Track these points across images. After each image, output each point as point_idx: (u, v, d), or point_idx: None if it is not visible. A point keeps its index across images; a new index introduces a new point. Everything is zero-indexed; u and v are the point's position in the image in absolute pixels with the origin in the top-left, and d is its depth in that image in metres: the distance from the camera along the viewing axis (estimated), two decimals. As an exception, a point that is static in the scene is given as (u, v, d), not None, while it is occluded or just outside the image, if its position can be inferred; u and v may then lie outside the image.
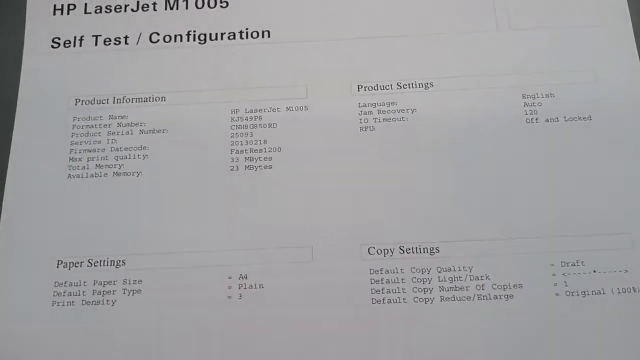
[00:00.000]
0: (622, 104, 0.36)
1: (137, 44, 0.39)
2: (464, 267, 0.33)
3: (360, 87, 0.37)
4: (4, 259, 0.34)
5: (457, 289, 0.33)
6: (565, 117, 0.36)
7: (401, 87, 0.37)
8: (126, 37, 0.39)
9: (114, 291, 0.34)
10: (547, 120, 0.36)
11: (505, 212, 0.34)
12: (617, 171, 0.35)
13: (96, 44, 0.39)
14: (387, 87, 0.37)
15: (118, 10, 0.40)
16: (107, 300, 0.34)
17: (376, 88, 0.37)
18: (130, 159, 0.36)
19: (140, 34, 0.39)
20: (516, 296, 0.33)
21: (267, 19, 0.39)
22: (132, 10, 0.40)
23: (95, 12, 0.40)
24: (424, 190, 0.35)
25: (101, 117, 0.37)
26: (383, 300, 0.33)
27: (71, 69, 0.38)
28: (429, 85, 0.37)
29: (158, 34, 0.39)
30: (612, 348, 0.32)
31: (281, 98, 0.37)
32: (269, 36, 0.39)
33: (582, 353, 0.32)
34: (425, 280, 0.33)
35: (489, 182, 0.35)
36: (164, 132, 0.37)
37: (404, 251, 0.34)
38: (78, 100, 0.38)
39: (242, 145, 0.36)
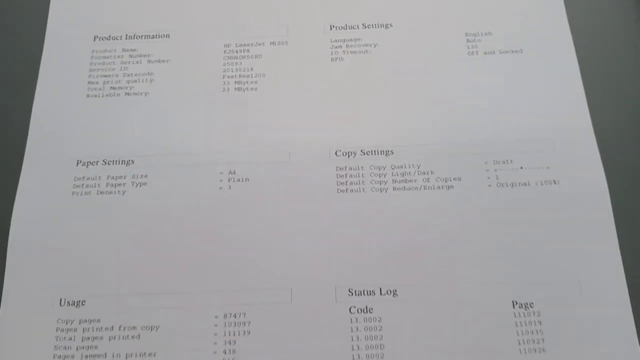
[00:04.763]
0: (548, 39, 0.44)
1: (147, -9, 0.47)
2: (412, 165, 0.40)
3: (332, 26, 0.45)
4: (33, 157, 0.41)
5: (407, 181, 0.40)
6: (500, 50, 0.44)
7: (366, 26, 0.45)
8: (137, -13, 0.47)
9: (124, 184, 0.41)
10: (486, 53, 0.44)
11: (448, 122, 0.41)
12: (541, 89, 0.42)
13: (112, -9, 0.47)
14: (355, 27, 0.45)
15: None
16: (118, 191, 0.41)
17: (345, 27, 0.45)
18: (138, 82, 0.44)
19: (149, -18, 0.47)
20: (455, 186, 0.40)
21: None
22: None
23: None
24: (383, 105, 0.42)
25: (115, 49, 0.45)
26: (346, 190, 0.40)
27: (91, 11, 0.46)
28: (389, 26, 0.45)
29: (164, -18, 0.47)
30: (535, 228, 0.39)
31: (266, 35, 0.45)
32: (257, -16, 0.46)
33: (509, 230, 0.38)
34: (381, 175, 0.40)
35: (436, 100, 0.42)
36: (167, 62, 0.44)
37: (364, 153, 0.41)
38: (96, 37, 0.45)
39: (232, 71, 0.44)
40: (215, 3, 0.46)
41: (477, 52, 0.44)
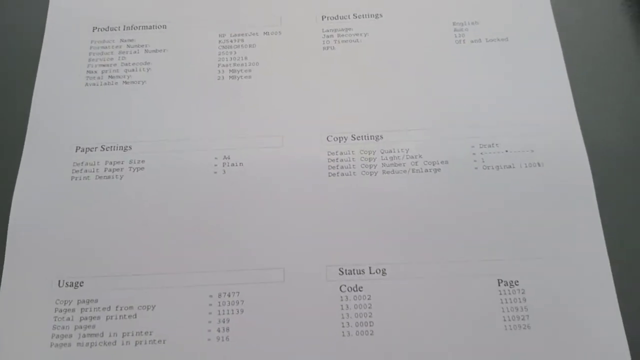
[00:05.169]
0: (533, 27, 0.45)
1: (144, -15, 0.48)
2: (401, 149, 0.42)
3: (324, 17, 0.46)
4: (33, 143, 0.42)
5: (396, 164, 0.41)
6: (486, 39, 0.45)
7: (357, 16, 0.46)
8: (134, -19, 0.48)
9: (121, 169, 0.42)
10: (472, 41, 0.45)
11: (436, 107, 0.43)
12: (526, 75, 0.43)
13: (110, -15, 0.48)
14: (346, 17, 0.46)
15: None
16: (116, 175, 0.42)
17: (337, 17, 0.46)
18: (136, 71, 0.45)
19: (146, -23, 0.48)
20: (443, 170, 0.41)
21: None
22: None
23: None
24: (373, 92, 0.43)
25: (113, 40, 0.46)
26: (337, 173, 0.41)
27: (90, 3, 0.47)
28: (379, 16, 0.46)
29: (160, -23, 0.48)
30: (520, 209, 0.40)
31: (259, 25, 0.46)
32: (250, -23, 0.48)
33: (494, 211, 0.40)
34: (370, 159, 0.41)
35: (424, 86, 0.43)
36: (164, 51, 0.46)
37: (355, 138, 0.42)
38: (95, 28, 0.47)
39: (227, 60, 0.45)
40: (210, -5, 0.47)
41: (464, 40, 0.45)
